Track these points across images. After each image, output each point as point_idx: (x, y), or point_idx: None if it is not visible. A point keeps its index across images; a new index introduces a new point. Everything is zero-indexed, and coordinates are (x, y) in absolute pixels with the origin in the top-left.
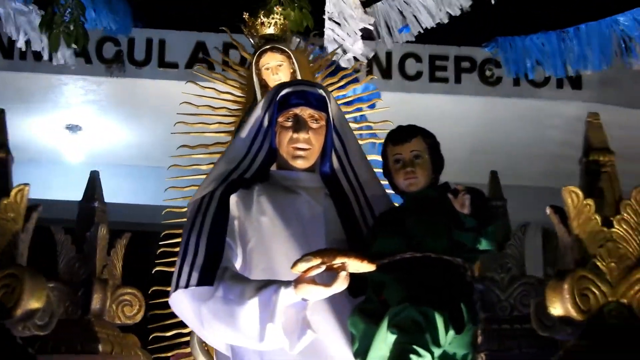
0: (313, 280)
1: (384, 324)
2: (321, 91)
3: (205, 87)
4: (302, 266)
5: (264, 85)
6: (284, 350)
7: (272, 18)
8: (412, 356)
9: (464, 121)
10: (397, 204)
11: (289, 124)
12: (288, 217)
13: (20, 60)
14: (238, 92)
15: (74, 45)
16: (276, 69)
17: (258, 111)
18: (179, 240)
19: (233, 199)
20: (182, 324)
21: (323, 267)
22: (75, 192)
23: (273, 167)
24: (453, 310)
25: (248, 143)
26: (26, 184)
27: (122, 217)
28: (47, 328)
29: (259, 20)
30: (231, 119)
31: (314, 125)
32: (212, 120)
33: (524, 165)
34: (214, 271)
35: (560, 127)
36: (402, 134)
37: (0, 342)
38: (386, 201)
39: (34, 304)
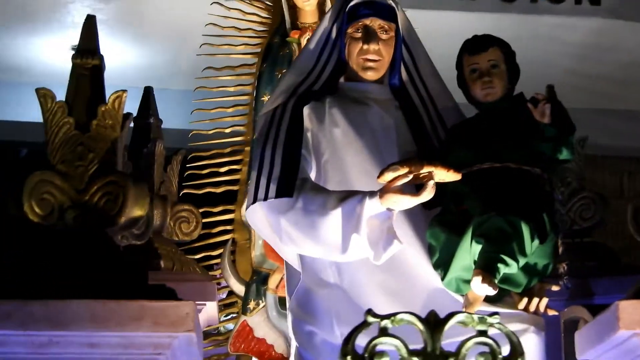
0: (400, 190)
1: (468, 234)
2: (390, 1)
3: (231, 8)
4: (389, 175)
5: (292, 5)
6: (363, 262)
7: None
8: (500, 265)
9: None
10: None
11: (359, 34)
12: (360, 128)
13: None
14: (264, 13)
15: None
16: None
17: (325, 23)
18: (206, 162)
19: (305, 110)
20: (211, 247)
21: (410, 177)
22: None
23: (341, 79)
24: (536, 220)
25: (316, 55)
26: (124, 90)
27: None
28: (144, 237)
29: None
30: (257, 40)
31: (384, 36)
32: (238, 41)
33: (542, 84)
34: (292, 183)
35: (577, 44)
36: (479, 44)
37: (105, 250)
38: (457, 113)
39: (138, 211)
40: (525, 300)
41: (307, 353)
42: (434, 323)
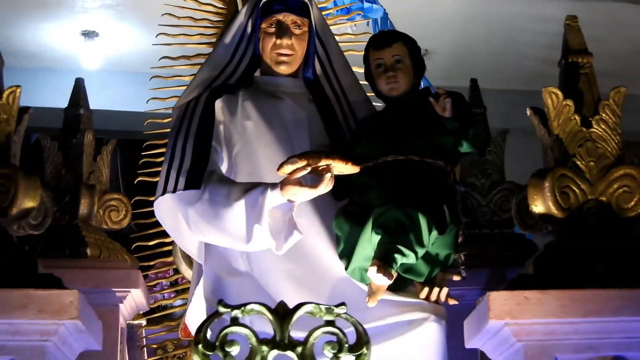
0: (299, 182)
1: (369, 225)
2: None
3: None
4: (288, 168)
5: None
6: (271, 251)
7: None
8: (397, 255)
9: (444, 26)
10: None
11: (272, 30)
12: (272, 121)
13: None
14: (219, 4)
15: None
16: None
17: (241, 18)
18: (161, 150)
19: (218, 104)
20: (164, 234)
21: (308, 169)
22: (92, 100)
23: (257, 74)
24: (436, 211)
25: (232, 49)
26: (18, 86)
27: (139, 126)
28: (41, 227)
29: None
30: (213, 31)
31: (297, 31)
32: (193, 32)
33: (504, 70)
34: (201, 175)
35: (539, 31)
36: (383, 39)
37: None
38: (369, 106)
39: (29, 203)
40: (426, 289)
41: None
42: (282, 313)
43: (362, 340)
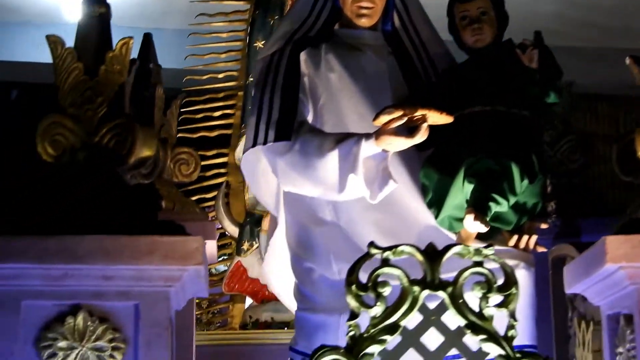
0: (394, 132)
1: (460, 174)
2: None
3: None
4: (384, 118)
5: None
6: (359, 201)
7: None
8: (491, 203)
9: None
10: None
11: None
12: (354, 73)
13: None
14: None
15: None
16: None
17: None
18: (200, 106)
19: (302, 56)
20: (205, 189)
21: (405, 119)
22: None
23: (336, 26)
24: (525, 160)
25: (311, 2)
26: (130, 37)
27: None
28: (151, 176)
29: None
30: None
31: None
32: None
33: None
34: (290, 126)
35: None
36: None
37: (116, 189)
38: (449, 59)
39: (146, 152)
40: (515, 237)
41: (305, 289)
42: (432, 254)
43: (511, 281)
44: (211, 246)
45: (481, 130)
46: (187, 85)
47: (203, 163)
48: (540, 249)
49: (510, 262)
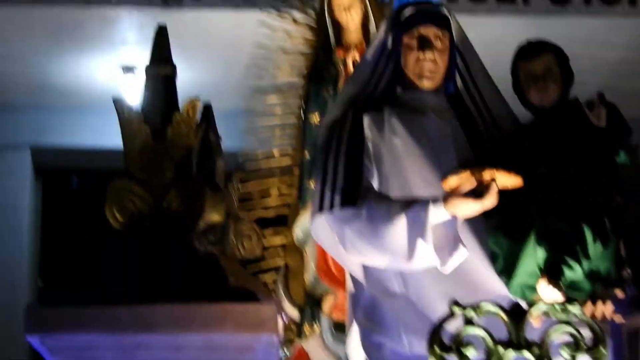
0: (464, 196)
1: (531, 239)
2: (444, 10)
3: (276, 29)
4: (453, 181)
5: (336, 25)
6: (427, 271)
7: None
8: (565, 268)
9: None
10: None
11: (415, 43)
12: (419, 137)
13: None
14: (309, 34)
15: None
16: (348, 7)
17: (380, 33)
18: (256, 186)
19: (365, 120)
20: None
21: (474, 182)
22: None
23: (399, 88)
24: (598, 223)
25: (373, 65)
26: (197, 98)
27: None
28: (219, 243)
29: None
30: (302, 62)
31: (439, 45)
32: (283, 63)
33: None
34: (356, 192)
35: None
36: (533, 49)
37: (184, 255)
38: (512, 119)
39: (215, 216)
40: (590, 307)
41: None
42: (517, 313)
43: (600, 340)
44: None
45: (550, 192)
46: (243, 165)
47: (251, 258)
48: (618, 319)
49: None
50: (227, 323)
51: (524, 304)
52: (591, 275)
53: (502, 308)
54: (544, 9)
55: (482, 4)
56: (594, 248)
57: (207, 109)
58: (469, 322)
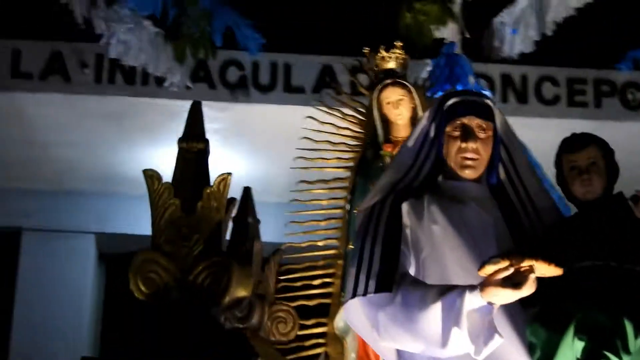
0: (501, 283)
1: (570, 330)
2: (488, 101)
3: (325, 123)
4: (490, 268)
5: (384, 119)
6: (462, 358)
7: (393, 52)
8: None
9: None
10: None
11: (457, 133)
12: (459, 226)
13: (141, 86)
14: (357, 128)
15: (200, 56)
16: (397, 103)
17: (424, 121)
18: (299, 275)
19: (404, 207)
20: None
21: (511, 270)
22: None
23: (440, 177)
24: (639, 317)
25: (415, 153)
26: (229, 173)
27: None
28: (246, 320)
29: (380, 54)
30: (350, 155)
31: (482, 135)
32: (331, 155)
33: None
34: (391, 278)
35: None
36: (578, 142)
37: (209, 329)
38: (556, 213)
39: (242, 292)
40: None
41: None
42: None
43: None
44: None
45: (592, 285)
46: (288, 253)
47: (302, 332)
48: None
49: None
50: None
51: None
52: None
53: None
54: (615, 113)
55: (553, 107)
56: (634, 343)
57: (247, 191)
58: None
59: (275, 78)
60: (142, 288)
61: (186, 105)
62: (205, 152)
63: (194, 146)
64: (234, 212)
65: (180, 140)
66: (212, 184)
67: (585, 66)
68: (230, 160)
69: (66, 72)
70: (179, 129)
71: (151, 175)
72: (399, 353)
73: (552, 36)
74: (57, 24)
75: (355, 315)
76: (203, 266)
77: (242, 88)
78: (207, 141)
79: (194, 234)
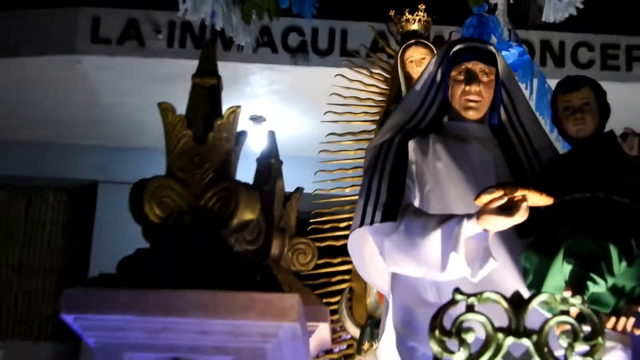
0: (495, 212)
1: (559, 256)
2: (491, 47)
3: (353, 80)
4: (485, 198)
5: (408, 77)
6: (461, 282)
7: (417, 15)
8: (589, 283)
9: (637, 109)
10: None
11: (462, 77)
12: (461, 163)
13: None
14: (383, 85)
15: (264, 19)
16: (420, 61)
17: (430, 67)
18: (327, 218)
19: (411, 145)
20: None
21: (505, 199)
22: None
23: (445, 118)
24: (624, 243)
25: (422, 96)
26: (238, 106)
27: (307, 207)
28: (256, 242)
29: (405, 17)
30: (376, 109)
31: (485, 79)
32: (359, 110)
33: None
34: (396, 208)
35: None
36: (572, 83)
37: (217, 249)
38: (553, 152)
39: (249, 215)
40: (613, 319)
41: None
42: (517, 302)
43: (597, 331)
44: (324, 329)
45: (582, 215)
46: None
47: (329, 270)
48: (638, 332)
49: (608, 344)
50: (252, 311)
51: (525, 294)
52: (615, 291)
53: (503, 297)
54: None
55: (588, 71)
56: (619, 266)
57: (272, 135)
58: (470, 308)
59: (333, 43)
60: (157, 211)
61: (251, 67)
62: (217, 87)
63: (207, 81)
64: (243, 143)
65: (194, 76)
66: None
67: (618, 33)
68: (288, 120)
69: (141, 37)
70: (244, 91)
71: (165, 108)
72: (403, 279)
73: (588, 5)
74: None
75: (355, 245)
76: (213, 192)
77: (302, 52)
78: (219, 77)
79: (205, 162)
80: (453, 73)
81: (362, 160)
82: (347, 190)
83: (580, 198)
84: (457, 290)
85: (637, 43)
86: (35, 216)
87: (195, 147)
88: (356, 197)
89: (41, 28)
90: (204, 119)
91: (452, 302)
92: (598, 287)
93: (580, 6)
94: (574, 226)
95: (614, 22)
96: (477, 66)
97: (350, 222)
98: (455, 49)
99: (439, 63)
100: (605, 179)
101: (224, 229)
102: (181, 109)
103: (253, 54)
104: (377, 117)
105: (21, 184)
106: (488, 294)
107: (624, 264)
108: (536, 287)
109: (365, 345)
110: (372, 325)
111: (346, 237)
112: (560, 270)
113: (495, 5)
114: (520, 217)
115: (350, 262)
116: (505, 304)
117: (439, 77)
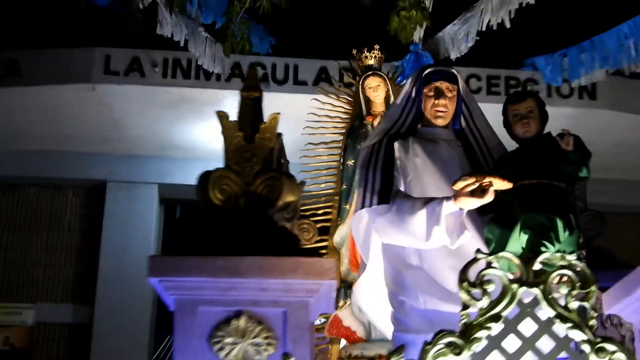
0: (469, 194)
1: (517, 227)
2: (453, 70)
3: (325, 102)
4: (461, 184)
5: (367, 100)
6: (439, 250)
7: (373, 53)
8: (542, 248)
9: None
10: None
11: (432, 93)
12: (434, 158)
13: (195, 79)
14: (347, 106)
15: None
16: (376, 88)
17: (407, 87)
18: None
19: (396, 145)
20: None
21: (476, 185)
22: None
23: (419, 125)
24: (566, 218)
25: (401, 109)
26: (278, 113)
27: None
28: (292, 220)
29: (363, 54)
30: (343, 124)
31: (449, 95)
32: (329, 125)
33: None
34: (388, 193)
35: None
36: (519, 96)
37: (267, 224)
38: (502, 149)
39: (290, 197)
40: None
41: (399, 316)
42: (527, 259)
43: (590, 281)
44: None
45: (530, 197)
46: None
47: (309, 246)
48: None
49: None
50: (299, 272)
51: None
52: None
53: (516, 255)
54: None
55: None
56: (563, 235)
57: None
58: (489, 264)
59: (288, 74)
60: (218, 196)
61: (225, 93)
62: (260, 99)
63: (252, 94)
64: (280, 143)
65: (242, 90)
66: (265, 121)
67: (499, 67)
68: None
69: (142, 70)
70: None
71: (222, 115)
72: (392, 249)
73: (476, 45)
74: (136, 35)
75: (357, 224)
76: (261, 180)
77: (264, 82)
78: (261, 91)
79: (253, 157)
80: (425, 90)
81: (334, 163)
82: (322, 185)
83: (528, 184)
84: (478, 251)
85: (514, 75)
86: (58, 208)
87: (245, 146)
88: (329, 191)
89: (64, 63)
90: (251, 123)
91: (475, 260)
92: (548, 251)
93: (471, 45)
94: (526, 205)
95: (495, 59)
96: (443, 85)
97: (325, 210)
98: (426, 72)
99: (414, 83)
100: (547, 169)
101: (270, 209)
102: (170, 124)
103: (227, 82)
104: (344, 130)
105: (47, 183)
106: (503, 253)
107: (567, 233)
108: (498, 252)
109: (341, 303)
110: (345, 288)
111: (323, 221)
112: (518, 240)
113: (426, 41)
114: (489, 198)
115: (326, 240)
116: (517, 260)
117: (413, 94)
